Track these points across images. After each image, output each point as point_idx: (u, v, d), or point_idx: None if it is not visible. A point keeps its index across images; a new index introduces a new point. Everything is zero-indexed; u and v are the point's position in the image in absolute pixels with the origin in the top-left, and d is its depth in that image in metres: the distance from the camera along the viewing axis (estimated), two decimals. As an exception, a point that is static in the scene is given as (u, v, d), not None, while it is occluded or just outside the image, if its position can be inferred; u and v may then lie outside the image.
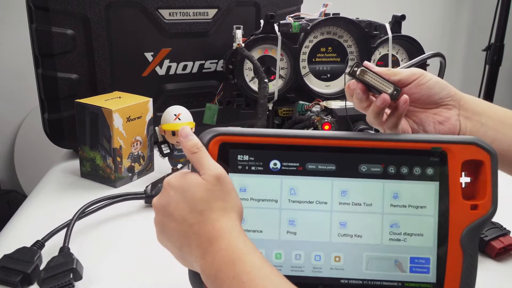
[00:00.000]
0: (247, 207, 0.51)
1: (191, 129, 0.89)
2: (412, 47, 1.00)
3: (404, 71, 0.56)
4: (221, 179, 0.47)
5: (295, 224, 0.52)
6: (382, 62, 1.01)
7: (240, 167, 0.51)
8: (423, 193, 0.51)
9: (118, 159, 0.87)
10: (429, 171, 0.50)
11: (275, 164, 0.51)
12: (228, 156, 0.51)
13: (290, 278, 0.44)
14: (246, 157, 0.51)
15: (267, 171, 0.51)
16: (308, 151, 0.51)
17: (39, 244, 0.66)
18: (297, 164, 0.51)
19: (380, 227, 0.51)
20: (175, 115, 0.88)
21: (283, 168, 0.51)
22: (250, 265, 0.42)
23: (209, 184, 0.46)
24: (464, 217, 0.49)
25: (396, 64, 1.02)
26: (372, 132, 0.78)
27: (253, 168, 0.51)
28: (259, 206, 0.51)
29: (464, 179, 0.50)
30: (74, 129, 0.91)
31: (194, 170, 0.49)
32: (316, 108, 0.93)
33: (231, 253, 0.43)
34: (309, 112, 0.93)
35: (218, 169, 0.47)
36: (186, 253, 0.46)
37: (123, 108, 0.85)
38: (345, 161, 0.51)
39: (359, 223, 0.51)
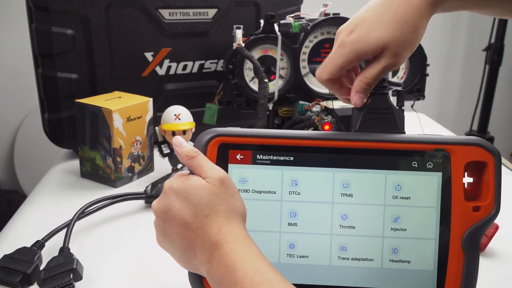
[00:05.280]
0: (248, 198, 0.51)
1: (191, 129, 0.89)
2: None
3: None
4: (224, 181, 0.46)
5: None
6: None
7: None
8: (425, 195, 0.50)
9: (118, 159, 0.87)
10: (432, 173, 0.50)
11: None
12: (227, 157, 0.51)
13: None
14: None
15: None
16: (308, 152, 0.51)
17: (39, 244, 0.66)
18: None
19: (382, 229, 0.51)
20: (175, 115, 0.88)
21: None
22: (253, 270, 0.42)
23: (214, 187, 0.46)
24: (466, 219, 0.49)
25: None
26: None
27: None
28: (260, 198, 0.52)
29: (467, 179, 0.50)
30: (74, 129, 0.91)
31: (193, 174, 0.48)
32: (316, 108, 0.93)
33: (234, 257, 0.43)
34: (309, 112, 0.93)
35: (221, 171, 0.47)
36: (190, 257, 0.46)
37: (123, 108, 0.85)
38: (346, 164, 0.51)
39: (359, 216, 0.51)
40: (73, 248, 0.66)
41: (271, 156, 0.51)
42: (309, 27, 0.95)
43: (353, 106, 0.53)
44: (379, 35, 0.49)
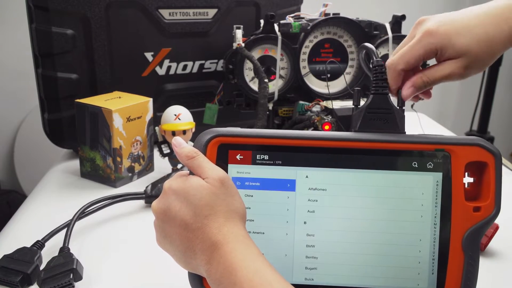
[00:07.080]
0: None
1: (191, 129, 0.89)
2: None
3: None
4: (225, 182, 0.46)
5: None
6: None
7: None
8: (426, 195, 0.50)
9: (118, 159, 0.87)
10: (432, 173, 0.50)
11: None
12: (227, 157, 0.50)
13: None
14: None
15: None
16: (308, 152, 0.51)
17: (39, 244, 0.66)
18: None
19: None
20: (175, 115, 0.88)
21: None
22: (253, 270, 0.42)
23: (213, 187, 0.46)
24: (467, 219, 0.49)
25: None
26: None
27: None
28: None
29: (467, 180, 0.50)
30: (74, 129, 0.91)
31: (193, 174, 0.48)
32: (316, 108, 0.93)
33: (234, 258, 0.42)
34: (309, 112, 0.93)
35: (221, 172, 0.47)
36: (190, 257, 0.46)
37: (123, 108, 0.85)
38: (346, 164, 0.51)
39: (359, 216, 0.51)
40: (73, 248, 0.66)
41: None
42: (309, 27, 0.95)
43: (353, 106, 0.53)
44: (468, 43, 0.49)
